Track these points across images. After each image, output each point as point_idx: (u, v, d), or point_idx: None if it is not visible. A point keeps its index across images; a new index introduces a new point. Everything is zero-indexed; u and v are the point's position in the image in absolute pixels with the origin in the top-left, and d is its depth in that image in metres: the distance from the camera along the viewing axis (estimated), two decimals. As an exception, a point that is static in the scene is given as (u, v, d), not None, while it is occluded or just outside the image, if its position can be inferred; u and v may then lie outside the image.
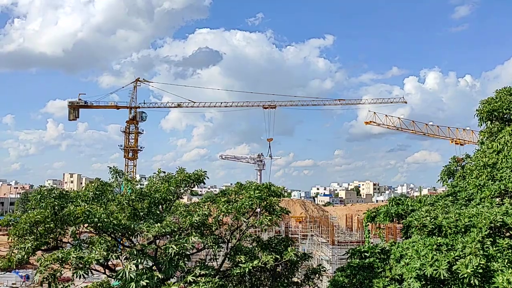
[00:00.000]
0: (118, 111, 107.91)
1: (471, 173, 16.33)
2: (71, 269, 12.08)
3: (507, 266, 10.37)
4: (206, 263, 15.03)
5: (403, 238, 14.74)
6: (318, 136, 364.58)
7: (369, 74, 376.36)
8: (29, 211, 13.90)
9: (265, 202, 15.02)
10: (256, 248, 16.79)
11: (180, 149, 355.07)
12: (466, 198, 14.79)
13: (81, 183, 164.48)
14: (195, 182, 16.46)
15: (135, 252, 12.48)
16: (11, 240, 14.15)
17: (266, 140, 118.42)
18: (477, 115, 17.84)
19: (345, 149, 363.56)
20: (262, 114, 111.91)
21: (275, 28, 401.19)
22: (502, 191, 13.72)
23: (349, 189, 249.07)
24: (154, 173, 17.41)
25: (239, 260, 14.46)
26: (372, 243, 16.53)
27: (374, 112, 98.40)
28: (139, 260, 12.20)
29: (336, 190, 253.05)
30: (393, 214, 15.92)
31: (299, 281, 17.69)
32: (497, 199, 13.78)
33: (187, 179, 16.20)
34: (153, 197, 15.63)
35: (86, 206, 12.82)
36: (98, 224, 12.63)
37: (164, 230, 12.85)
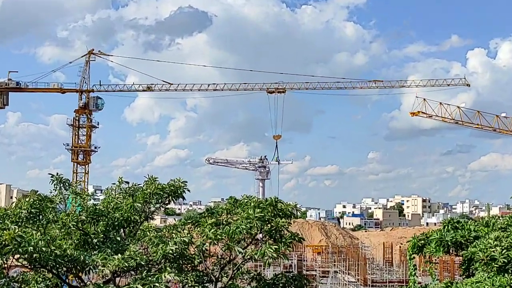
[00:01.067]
0: (64, 96, 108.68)
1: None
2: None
3: None
4: (186, 311, 15.05)
5: (464, 276, 14.77)
6: (345, 133, 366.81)
7: (418, 46, 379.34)
8: None
9: (269, 225, 15.05)
10: (257, 290, 16.85)
11: (151, 149, 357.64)
12: (552, 221, 14.80)
13: (11, 197, 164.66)
14: (170, 197, 16.49)
15: (85, 294, 12.50)
16: None
17: (272, 137, 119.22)
18: None
19: (383, 150, 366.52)
20: (267, 101, 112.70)
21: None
22: None
23: (388, 207, 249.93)
24: (114, 183, 17.47)
25: (233, 306, 14.49)
26: (420, 283, 16.52)
27: (424, 99, 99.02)
28: (91, 306, 12.23)
29: (370, 208, 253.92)
30: (450, 243, 15.90)
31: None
32: None
33: (159, 192, 16.23)
34: (112, 217, 15.66)
35: (17, 230, 12.83)
36: (34, 255, 12.63)
37: (126, 264, 12.87)
